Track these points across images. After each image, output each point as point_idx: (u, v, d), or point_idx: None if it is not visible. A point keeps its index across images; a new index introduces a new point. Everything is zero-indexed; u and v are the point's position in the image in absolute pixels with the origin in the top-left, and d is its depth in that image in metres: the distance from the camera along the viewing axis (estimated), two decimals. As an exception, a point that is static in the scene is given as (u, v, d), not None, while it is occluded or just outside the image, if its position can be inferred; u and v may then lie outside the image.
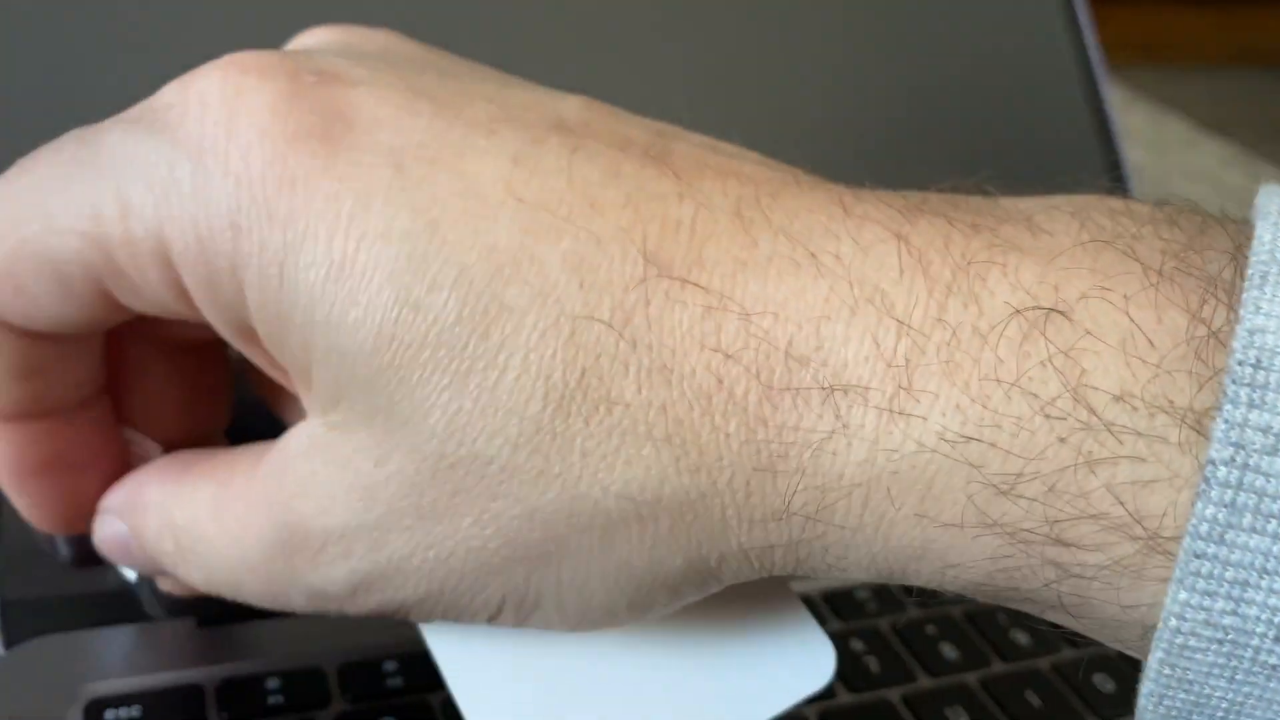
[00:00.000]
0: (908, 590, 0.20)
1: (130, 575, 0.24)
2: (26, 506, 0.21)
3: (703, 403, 0.16)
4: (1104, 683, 0.28)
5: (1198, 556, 0.14)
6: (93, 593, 0.26)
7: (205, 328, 0.19)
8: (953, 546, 0.16)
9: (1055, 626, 0.17)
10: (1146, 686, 0.16)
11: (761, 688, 0.20)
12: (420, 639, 0.20)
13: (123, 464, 0.22)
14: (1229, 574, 0.14)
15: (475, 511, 0.16)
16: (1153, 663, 0.15)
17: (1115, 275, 0.15)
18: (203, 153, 0.16)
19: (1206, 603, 0.15)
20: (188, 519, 0.19)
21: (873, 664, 0.27)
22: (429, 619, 0.19)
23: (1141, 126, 0.64)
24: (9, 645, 0.25)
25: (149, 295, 0.18)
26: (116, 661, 0.25)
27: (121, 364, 0.22)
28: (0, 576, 0.26)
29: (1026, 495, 0.15)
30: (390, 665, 0.25)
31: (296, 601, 0.19)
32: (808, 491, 0.16)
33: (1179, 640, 0.15)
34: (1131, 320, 0.15)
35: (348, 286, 0.16)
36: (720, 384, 0.16)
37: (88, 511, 0.22)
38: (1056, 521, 0.15)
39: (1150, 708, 0.16)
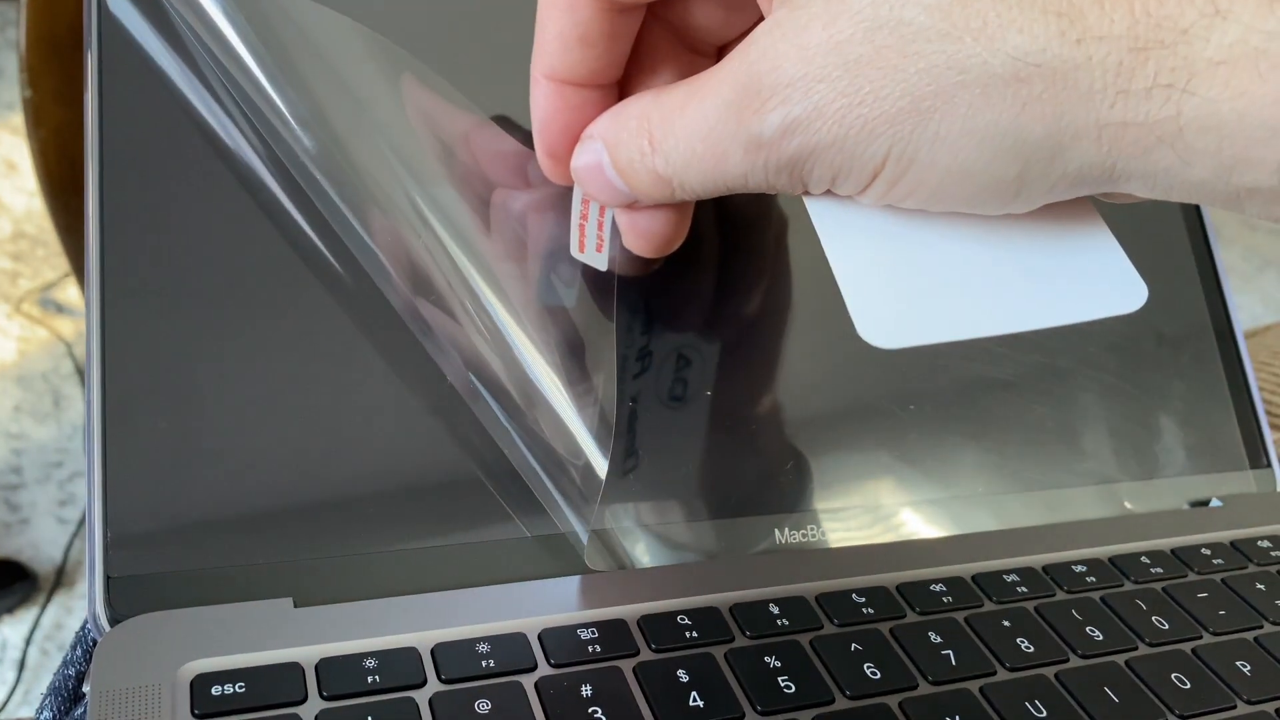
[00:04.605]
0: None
1: (603, 264, 0.28)
2: (546, 159, 0.27)
3: None
4: (1181, 681, 0.28)
5: None
6: (196, 570, 0.27)
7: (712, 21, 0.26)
8: None
9: None
10: None
11: (1081, 297, 0.23)
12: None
13: None
14: None
15: (887, 66, 0.20)
16: None
17: None
18: None
19: None
20: (662, 115, 0.24)
21: (952, 657, 0.28)
22: (825, 172, 0.22)
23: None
24: (114, 622, 0.25)
25: None
26: (219, 639, 0.25)
27: (636, 64, 0.27)
28: (106, 554, 0.26)
29: None
30: (483, 647, 0.26)
31: (734, 157, 0.23)
32: (1175, 70, 0.18)
33: None
34: None
35: None
36: None
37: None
38: None
39: None
